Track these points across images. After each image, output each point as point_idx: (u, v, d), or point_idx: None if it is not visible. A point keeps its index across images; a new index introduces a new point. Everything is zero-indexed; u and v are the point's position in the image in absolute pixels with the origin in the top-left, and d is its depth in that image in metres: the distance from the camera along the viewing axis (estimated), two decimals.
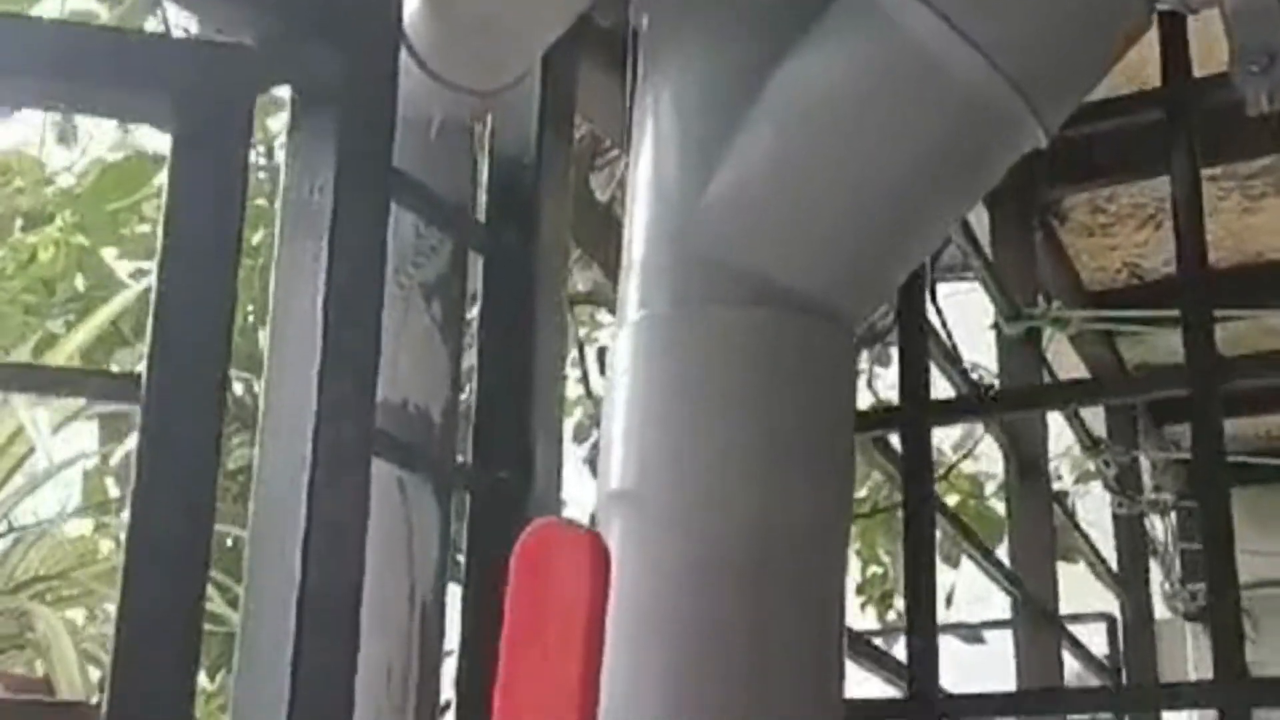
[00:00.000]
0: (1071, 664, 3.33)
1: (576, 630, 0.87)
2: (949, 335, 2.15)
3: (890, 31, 1.11)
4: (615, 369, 1.11)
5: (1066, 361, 3.27)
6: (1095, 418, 3.48)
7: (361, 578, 1.05)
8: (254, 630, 1.01)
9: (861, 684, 1.50)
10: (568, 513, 1.43)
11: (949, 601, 4.08)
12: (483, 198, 1.44)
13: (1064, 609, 3.82)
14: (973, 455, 3.73)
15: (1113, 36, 1.19)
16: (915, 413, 1.17)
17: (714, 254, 1.14)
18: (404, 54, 1.22)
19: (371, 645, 1.08)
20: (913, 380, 1.19)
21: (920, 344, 1.21)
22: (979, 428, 3.09)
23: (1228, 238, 2.89)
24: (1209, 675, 4.44)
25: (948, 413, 1.52)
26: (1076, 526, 3.04)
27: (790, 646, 1.02)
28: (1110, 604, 3.61)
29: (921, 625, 1.11)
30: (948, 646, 4.28)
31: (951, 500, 4.07)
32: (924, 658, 1.11)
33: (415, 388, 1.24)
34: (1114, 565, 3.41)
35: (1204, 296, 1.25)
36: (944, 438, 4.06)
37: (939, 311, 2.12)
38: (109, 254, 2.92)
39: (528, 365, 1.32)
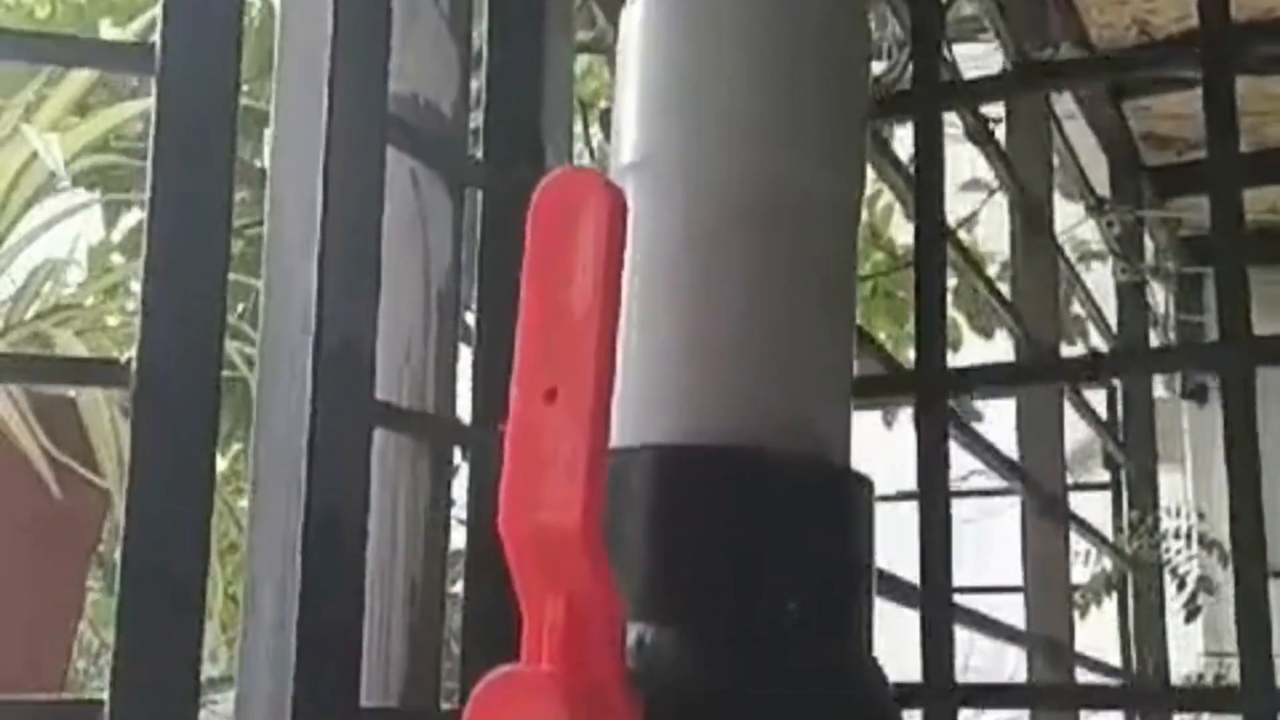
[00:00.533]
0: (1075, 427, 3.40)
1: (595, 277, 0.88)
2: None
3: None
4: (626, 44, 1.11)
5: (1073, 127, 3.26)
6: (1100, 183, 3.48)
7: (378, 257, 1.08)
8: (274, 315, 1.04)
9: None
10: None
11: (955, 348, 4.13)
12: None
13: None
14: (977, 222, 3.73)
15: None
16: (928, 96, 1.17)
17: None
18: None
19: (388, 320, 1.11)
20: (925, 65, 1.19)
21: (933, 26, 1.21)
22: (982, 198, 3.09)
23: None
24: (1203, 453, 4.51)
25: (961, 96, 1.51)
26: (1081, 285, 3.06)
27: (797, 315, 1.04)
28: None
29: (927, 314, 1.14)
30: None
31: (953, 283, 4.09)
32: (932, 334, 1.13)
33: (425, 82, 1.25)
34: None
35: (1225, 52, 1.24)
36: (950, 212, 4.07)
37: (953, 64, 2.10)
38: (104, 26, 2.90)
39: (538, 63, 1.33)
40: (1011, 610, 2.65)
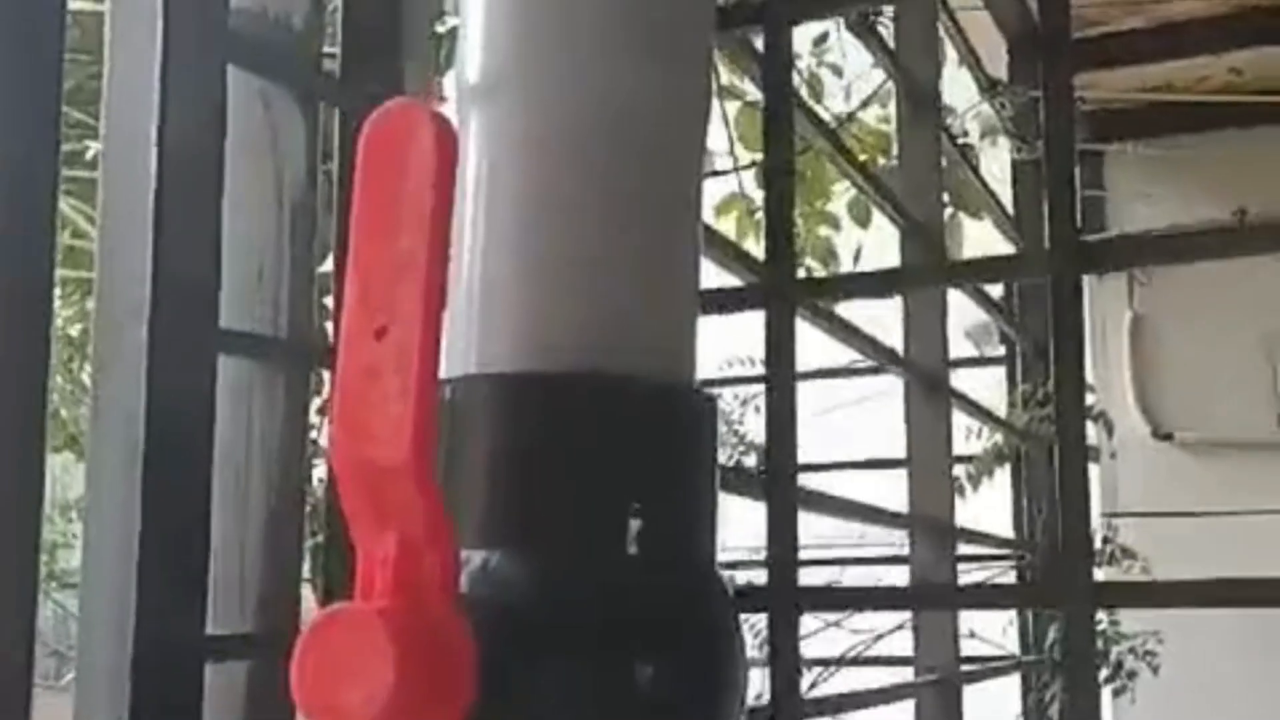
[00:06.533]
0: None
1: (424, 207, 0.88)
2: None
3: None
4: None
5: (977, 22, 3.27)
6: (998, 63, 3.49)
7: (220, 179, 1.07)
8: (111, 233, 1.03)
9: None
10: None
11: (856, 259, 4.19)
12: None
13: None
14: (885, 118, 3.75)
15: None
16: (776, 6, 1.17)
17: None
18: None
19: (237, 242, 1.11)
20: None
21: None
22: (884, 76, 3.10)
23: None
24: (1098, 325, 4.60)
25: (811, 4, 1.51)
26: (975, 170, 3.09)
27: (644, 234, 1.05)
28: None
29: (776, 228, 1.15)
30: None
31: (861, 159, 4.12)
32: (780, 246, 1.15)
33: None
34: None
35: None
36: (855, 92, 4.08)
37: None
38: None
39: None
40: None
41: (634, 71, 1.07)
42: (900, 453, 2.61)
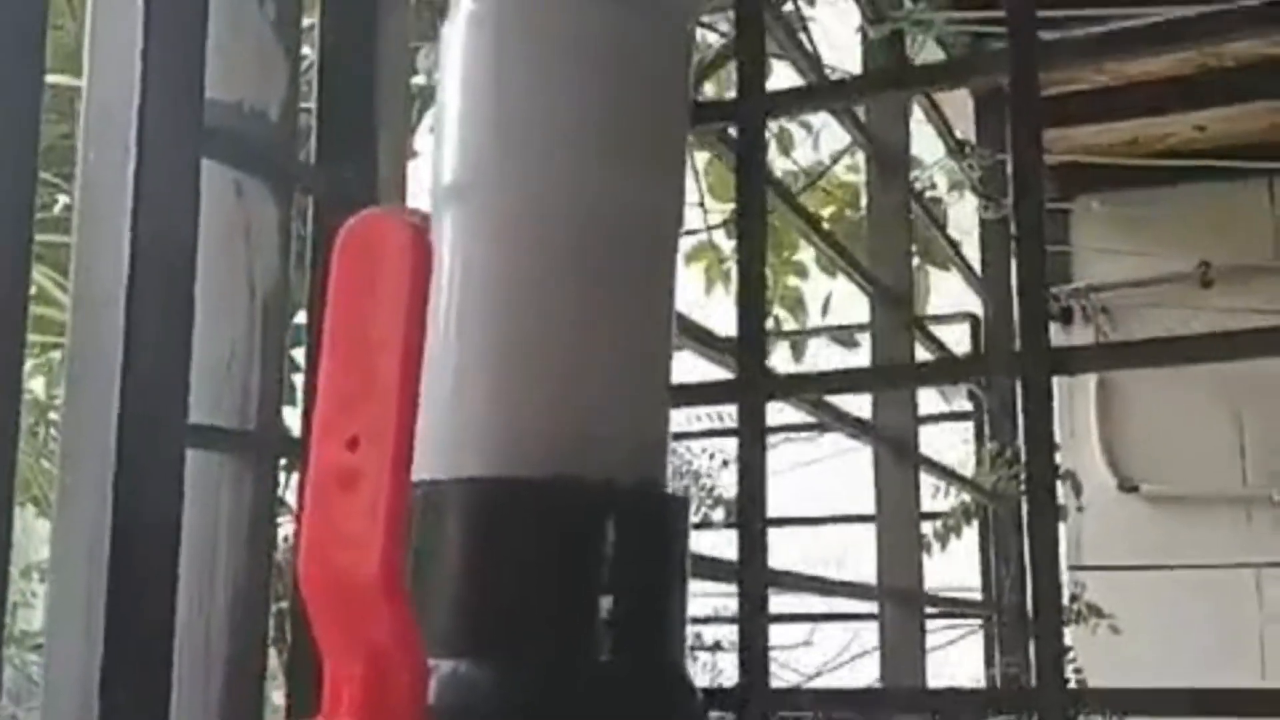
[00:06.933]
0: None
1: (397, 322, 0.89)
2: (811, 41, 2.16)
3: None
4: (447, 61, 1.11)
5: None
6: (966, 122, 3.53)
7: (192, 273, 1.07)
8: (83, 323, 1.03)
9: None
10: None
11: (825, 309, 4.21)
12: None
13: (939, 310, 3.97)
14: (855, 167, 3.78)
15: None
16: (751, 104, 1.18)
17: None
18: None
19: (209, 332, 1.11)
20: (750, 72, 1.20)
21: (757, 33, 1.22)
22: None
23: None
24: (1065, 380, 4.62)
25: (785, 102, 1.53)
26: (941, 229, 3.12)
27: (616, 337, 1.06)
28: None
29: (748, 322, 1.16)
30: (821, 351, 4.40)
31: (827, 211, 4.15)
32: (753, 340, 1.15)
33: (250, 88, 1.23)
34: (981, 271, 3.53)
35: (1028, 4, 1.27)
36: (825, 148, 4.11)
37: (799, 11, 2.11)
38: None
39: (370, 60, 1.32)
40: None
41: (609, 178, 1.08)
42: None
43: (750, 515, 1.17)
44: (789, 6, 2.31)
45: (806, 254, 4.06)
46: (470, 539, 1.00)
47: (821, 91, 1.76)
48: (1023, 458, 1.18)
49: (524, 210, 1.05)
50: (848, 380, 1.60)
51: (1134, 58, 2.99)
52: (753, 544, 1.17)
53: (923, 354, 2.79)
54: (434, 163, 1.11)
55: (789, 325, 4.25)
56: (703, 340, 1.49)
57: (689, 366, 1.47)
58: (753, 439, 1.17)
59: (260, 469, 1.16)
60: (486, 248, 1.06)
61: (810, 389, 1.61)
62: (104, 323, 1.04)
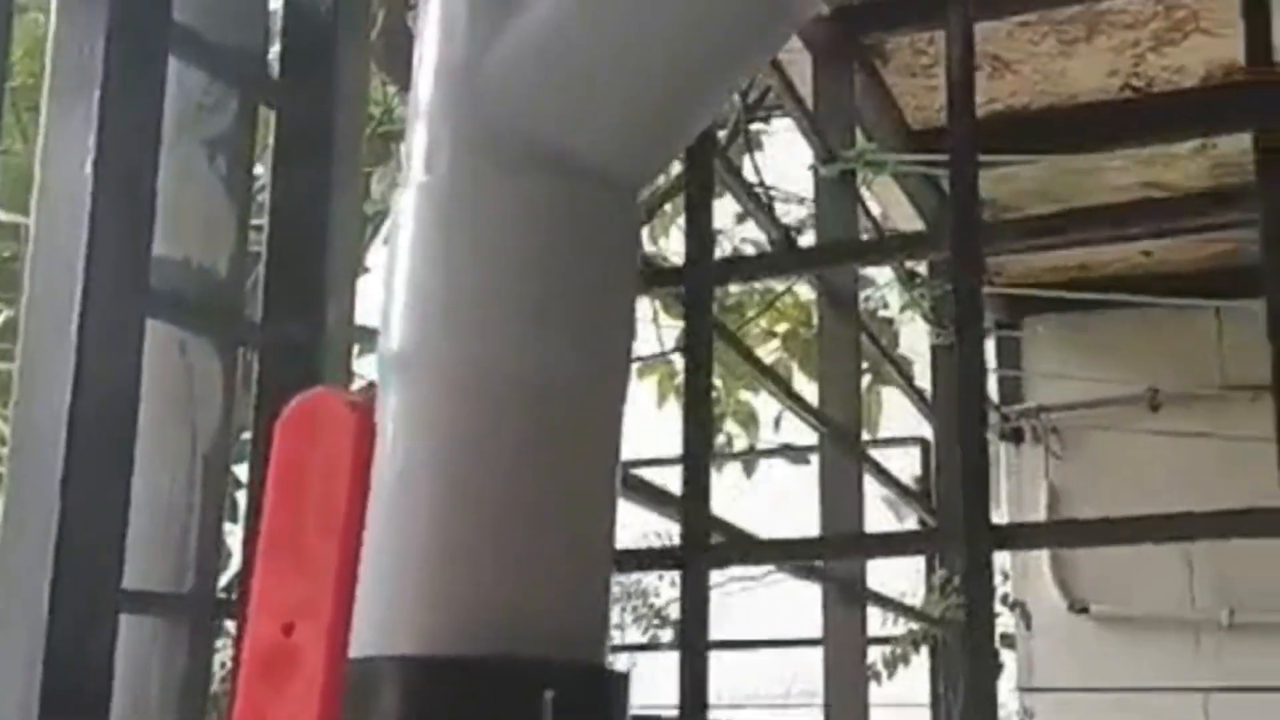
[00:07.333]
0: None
1: (337, 505, 0.89)
2: (762, 182, 2.20)
3: None
4: (397, 229, 1.12)
5: (893, 198, 3.35)
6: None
7: (133, 436, 1.07)
8: (18, 489, 1.03)
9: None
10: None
11: (777, 425, 4.23)
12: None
13: (891, 432, 3.99)
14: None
15: None
16: (697, 274, 1.20)
17: (495, 118, 1.14)
18: None
19: (148, 493, 1.11)
20: (697, 242, 1.23)
21: (706, 207, 1.24)
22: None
23: (1042, 80, 2.97)
24: (1015, 498, 4.64)
25: (729, 273, 1.56)
26: (888, 357, 3.15)
27: (558, 514, 1.06)
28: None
29: (693, 479, 1.17)
30: (772, 472, 4.40)
31: (781, 328, 4.18)
32: (695, 500, 1.16)
33: (197, 245, 1.24)
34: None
35: (969, 148, 1.30)
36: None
37: (752, 154, 2.15)
38: None
39: (321, 221, 1.33)
40: None
41: (554, 351, 1.09)
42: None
43: (696, 688, 1.17)
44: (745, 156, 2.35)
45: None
46: (403, 717, 1.00)
47: (770, 261, 1.78)
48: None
49: (466, 385, 1.05)
50: (793, 550, 1.60)
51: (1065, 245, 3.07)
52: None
53: (870, 483, 2.80)
54: (381, 326, 1.11)
55: (740, 440, 4.27)
56: (653, 497, 1.49)
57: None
58: (695, 611, 1.17)
59: (195, 634, 1.15)
60: (429, 420, 1.06)
61: (756, 558, 1.61)
62: (39, 489, 1.04)
